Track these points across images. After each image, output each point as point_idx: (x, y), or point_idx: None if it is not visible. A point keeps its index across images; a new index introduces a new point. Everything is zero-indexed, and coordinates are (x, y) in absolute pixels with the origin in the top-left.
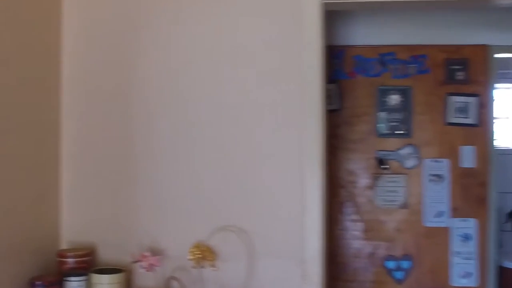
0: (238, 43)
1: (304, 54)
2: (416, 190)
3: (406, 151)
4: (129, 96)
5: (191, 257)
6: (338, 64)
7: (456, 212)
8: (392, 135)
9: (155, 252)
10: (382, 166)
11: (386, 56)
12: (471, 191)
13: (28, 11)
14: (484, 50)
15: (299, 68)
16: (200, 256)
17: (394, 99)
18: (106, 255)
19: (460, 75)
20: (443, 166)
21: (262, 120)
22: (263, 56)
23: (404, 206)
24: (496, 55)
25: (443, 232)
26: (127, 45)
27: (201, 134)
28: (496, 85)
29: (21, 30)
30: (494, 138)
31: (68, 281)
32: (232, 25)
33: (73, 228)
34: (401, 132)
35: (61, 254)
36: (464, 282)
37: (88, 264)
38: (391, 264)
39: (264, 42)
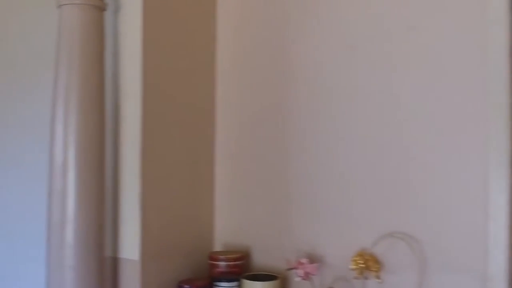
0: (408, 25)
1: (488, 33)
2: None
3: None
4: (283, 90)
5: (353, 266)
6: None
7: None
8: None
9: (313, 259)
10: None
11: None
12: None
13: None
14: None
15: (481, 51)
16: (363, 265)
17: None
18: (260, 259)
19: None
20: None
21: (438, 111)
22: (438, 39)
23: None
24: None
25: None
26: (280, 33)
27: (366, 128)
28: None
29: (178, 25)
30: None
31: (218, 286)
32: (399, 4)
33: (227, 230)
34: None
35: (213, 257)
36: None
37: (241, 268)
38: None
39: (438, 22)
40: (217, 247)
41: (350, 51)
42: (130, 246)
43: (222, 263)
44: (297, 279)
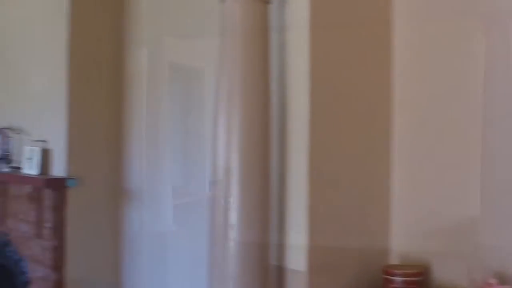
0: None
1: None
2: None
3: None
4: (471, 86)
5: None
6: None
7: None
8: None
9: (504, 279)
10: None
11: None
12: None
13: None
14: None
15: None
16: None
17: None
18: (440, 276)
19: None
20: None
21: None
22: None
23: None
24: None
25: None
26: (467, 22)
27: None
28: None
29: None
30: None
31: None
32: None
33: (404, 241)
34: None
35: (388, 271)
36: None
37: (419, 285)
38: None
39: None
40: (393, 260)
41: None
42: (297, 256)
43: (398, 279)
44: None
